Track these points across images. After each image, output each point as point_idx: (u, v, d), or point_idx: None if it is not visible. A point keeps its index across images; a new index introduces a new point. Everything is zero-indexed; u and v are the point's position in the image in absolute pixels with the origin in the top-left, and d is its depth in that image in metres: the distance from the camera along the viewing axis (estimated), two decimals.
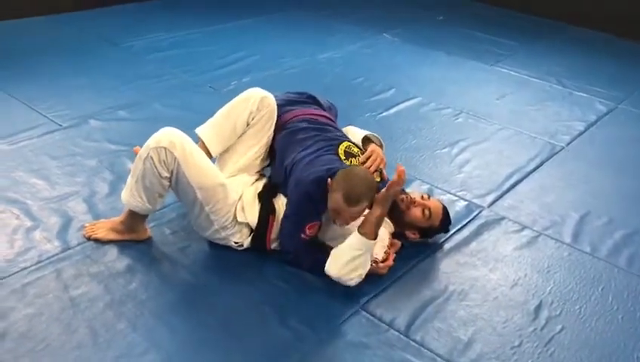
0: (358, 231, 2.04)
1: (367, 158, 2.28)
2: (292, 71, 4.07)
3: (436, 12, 5.73)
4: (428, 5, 5.94)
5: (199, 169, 2.11)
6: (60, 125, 3.09)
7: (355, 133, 2.47)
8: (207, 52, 4.24)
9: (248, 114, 2.32)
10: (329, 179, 2.07)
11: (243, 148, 2.37)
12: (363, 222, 2.06)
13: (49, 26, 4.49)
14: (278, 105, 2.41)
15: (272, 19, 5.12)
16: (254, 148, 2.37)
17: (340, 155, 2.24)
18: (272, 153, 2.42)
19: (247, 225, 2.22)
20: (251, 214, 2.21)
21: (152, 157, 2.06)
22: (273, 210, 2.22)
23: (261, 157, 2.40)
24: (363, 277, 2.08)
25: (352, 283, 2.07)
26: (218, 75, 3.88)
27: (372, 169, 2.24)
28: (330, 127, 2.41)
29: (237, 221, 2.20)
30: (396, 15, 5.55)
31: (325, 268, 2.08)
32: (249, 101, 2.33)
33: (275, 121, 2.39)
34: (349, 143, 2.33)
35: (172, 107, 3.37)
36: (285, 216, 2.17)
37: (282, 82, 3.79)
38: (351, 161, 2.23)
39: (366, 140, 2.41)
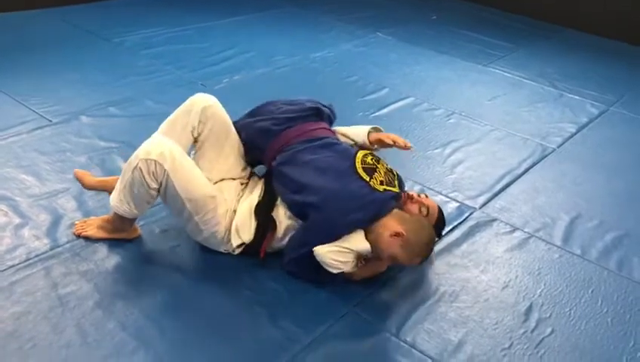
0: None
1: (393, 141, 2.32)
2: (285, 69, 4.06)
3: (430, 12, 5.73)
4: (422, 5, 5.94)
5: (189, 181, 2.06)
6: (50, 121, 3.06)
7: (354, 135, 2.40)
8: (200, 49, 4.22)
9: (191, 129, 2.21)
10: (402, 231, 2.01)
11: (206, 164, 2.25)
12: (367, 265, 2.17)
13: (40, 20, 4.45)
14: (271, 124, 2.28)
15: (265, 17, 5.10)
16: (218, 160, 2.25)
17: (363, 176, 2.11)
18: (272, 172, 2.30)
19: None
20: (246, 234, 2.15)
21: (140, 169, 2.02)
22: (274, 225, 2.15)
23: (233, 165, 2.29)
24: (339, 270, 2.08)
25: (330, 269, 2.07)
26: (210, 72, 3.85)
27: (401, 143, 2.32)
28: (335, 142, 2.28)
29: (230, 242, 2.16)
30: (390, 14, 5.55)
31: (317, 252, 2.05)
32: (190, 114, 2.21)
33: (231, 126, 2.28)
34: (361, 155, 2.20)
35: (164, 103, 3.34)
36: (304, 238, 2.08)
37: (274, 80, 3.79)
38: (376, 178, 2.13)
39: (371, 131, 2.39)
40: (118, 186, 2.14)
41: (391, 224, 2.04)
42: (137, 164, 2.02)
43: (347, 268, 2.08)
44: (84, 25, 4.42)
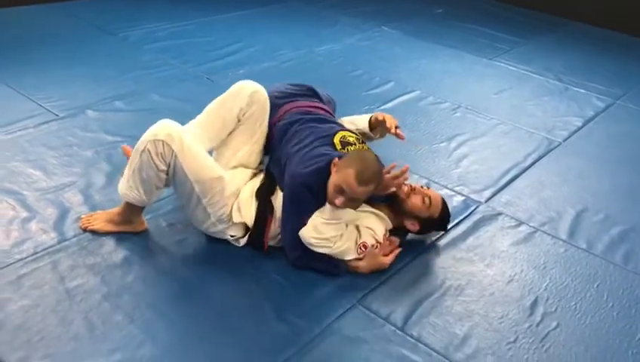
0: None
1: (384, 118, 2.35)
2: (290, 63, 4.06)
3: (435, 5, 5.71)
4: None
5: (197, 162, 2.09)
6: (57, 115, 3.07)
7: (358, 119, 2.50)
8: (205, 43, 4.22)
9: (238, 110, 2.27)
10: (336, 158, 2.06)
11: (235, 144, 2.33)
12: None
13: (45, 14, 4.46)
14: (275, 97, 2.39)
15: (270, 11, 5.09)
16: (247, 144, 2.33)
17: (336, 145, 2.21)
18: (270, 144, 2.41)
19: (244, 223, 2.21)
20: (247, 214, 2.19)
21: (149, 150, 2.05)
22: (272, 210, 2.20)
23: (255, 152, 2.37)
24: (327, 249, 2.11)
25: (318, 249, 2.11)
26: (216, 66, 3.86)
27: (393, 126, 2.34)
28: (327, 119, 2.39)
29: (233, 221, 2.19)
30: (395, 8, 5.53)
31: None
32: (238, 96, 2.28)
33: (267, 115, 2.35)
34: (345, 133, 2.29)
35: (169, 98, 3.36)
36: (284, 211, 2.15)
37: (279, 74, 3.78)
38: (347, 150, 2.21)
39: (372, 118, 2.45)
40: (126, 173, 2.16)
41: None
42: (145, 146, 2.05)
43: (336, 247, 2.11)
44: (88, 19, 4.42)
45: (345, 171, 2.00)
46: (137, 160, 2.09)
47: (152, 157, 2.05)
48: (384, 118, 2.38)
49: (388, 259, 2.21)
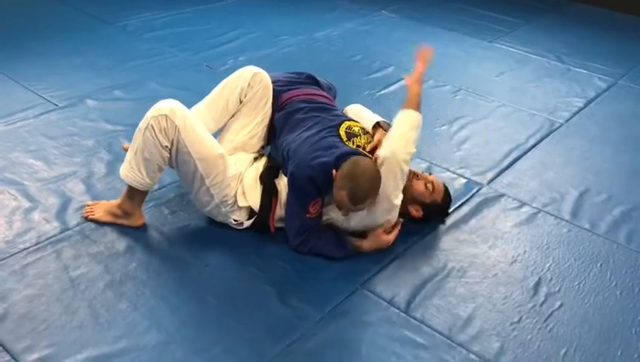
0: (404, 109, 2.18)
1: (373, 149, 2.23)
2: (289, 49, 4.04)
3: None
4: None
5: (199, 139, 2.11)
6: (57, 105, 3.06)
7: (362, 117, 2.41)
8: (203, 30, 4.20)
9: (240, 91, 2.33)
10: (334, 171, 2.04)
11: (237, 126, 2.37)
12: (407, 101, 2.21)
13: (42, 5, 4.43)
14: (276, 85, 2.40)
15: None
16: (248, 126, 2.37)
17: (342, 136, 2.21)
18: (273, 132, 2.41)
19: (249, 206, 2.21)
20: (252, 198, 2.20)
21: (152, 126, 2.06)
22: (276, 192, 2.21)
23: (257, 135, 2.39)
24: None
25: (408, 157, 2.13)
26: (214, 53, 3.84)
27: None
28: (330, 107, 2.39)
29: (238, 205, 2.20)
30: None
31: (386, 153, 2.09)
32: (241, 78, 2.35)
33: (270, 99, 2.38)
34: (350, 123, 2.29)
35: (169, 86, 3.35)
36: (288, 198, 2.16)
37: (279, 61, 3.77)
38: (353, 141, 2.20)
39: (376, 125, 2.34)
40: (127, 156, 2.17)
41: None
42: (149, 123, 2.07)
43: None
44: (85, 8, 4.39)
45: (340, 193, 2.02)
46: (140, 139, 2.10)
47: (155, 134, 2.07)
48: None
49: (391, 237, 2.22)
